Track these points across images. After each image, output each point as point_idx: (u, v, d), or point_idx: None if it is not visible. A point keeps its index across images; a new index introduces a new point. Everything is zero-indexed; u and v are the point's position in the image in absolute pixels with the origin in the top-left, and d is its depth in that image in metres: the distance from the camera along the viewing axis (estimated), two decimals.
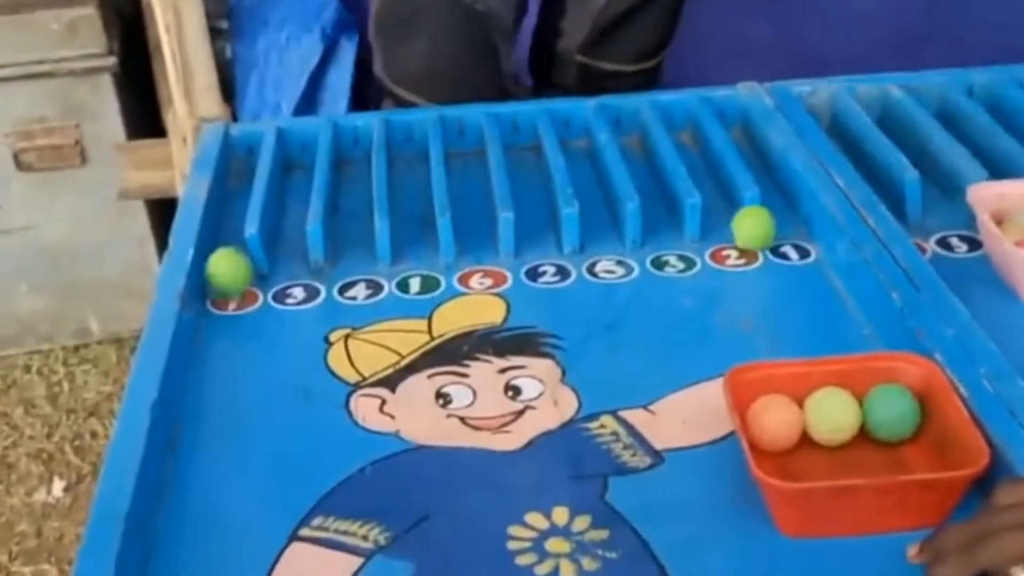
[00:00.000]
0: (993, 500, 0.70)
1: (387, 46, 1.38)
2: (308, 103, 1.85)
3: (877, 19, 1.88)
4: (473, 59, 1.34)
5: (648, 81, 1.68)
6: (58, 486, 1.85)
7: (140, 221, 1.96)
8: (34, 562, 1.75)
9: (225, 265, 1.00)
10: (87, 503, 1.78)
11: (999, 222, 0.99)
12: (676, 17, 1.65)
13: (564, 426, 0.85)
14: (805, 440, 0.81)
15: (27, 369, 2.05)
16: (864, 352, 0.87)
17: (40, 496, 1.84)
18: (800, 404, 0.81)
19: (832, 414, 0.80)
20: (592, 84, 1.65)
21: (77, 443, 1.90)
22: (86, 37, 1.76)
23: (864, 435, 0.81)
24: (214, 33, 1.55)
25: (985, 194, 1.01)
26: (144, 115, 1.94)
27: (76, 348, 2.07)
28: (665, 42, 1.67)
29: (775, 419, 0.80)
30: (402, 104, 1.45)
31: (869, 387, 0.81)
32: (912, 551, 0.71)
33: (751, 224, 1.04)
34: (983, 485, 0.73)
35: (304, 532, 0.77)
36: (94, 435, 1.91)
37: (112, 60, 1.79)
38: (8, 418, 1.95)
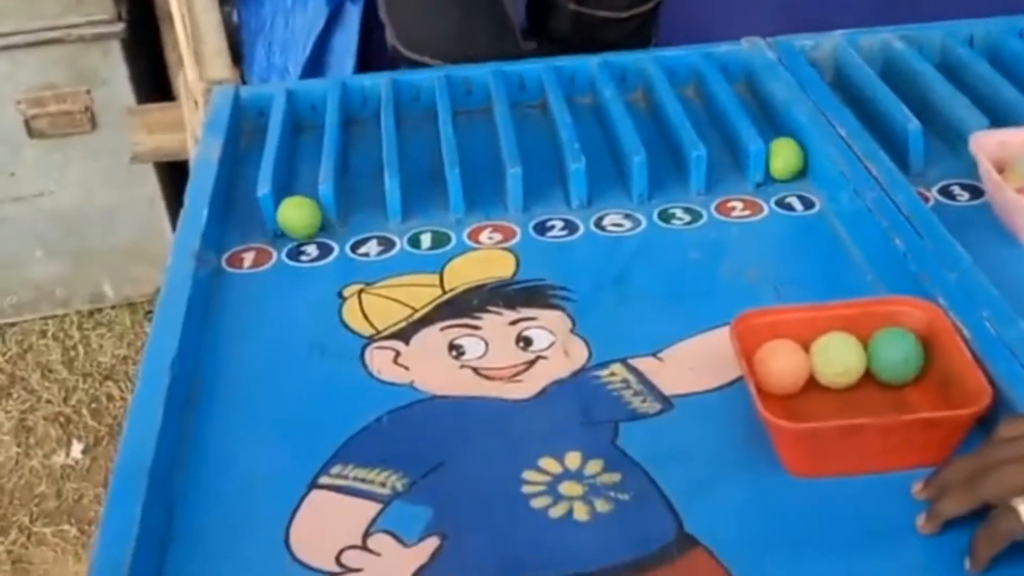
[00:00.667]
0: (995, 434, 0.72)
1: (398, 15, 1.39)
2: (315, 66, 1.86)
3: None
4: (486, 18, 1.35)
5: (643, 28, 1.67)
6: (76, 448, 1.88)
7: (151, 185, 1.98)
8: (54, 523, 1.78)
9: (296, 212, 1.04)
10: (105, 464, 1.82)
11: (1000, 170, 1.01)
12: None
13: (575, 375, 0.87)
14: (811, 384, 0.83)
15: (43, 334, 2.07)
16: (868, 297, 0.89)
17: (59, 458, 1.87)
18: (806, 349, 0.82)
19: (838, 357, 0.81)
20: (586, 32, 1.65)
21: (94, 406, 1.93)
22: (94, 4, 1.77)
23: (869, 378, 0.83)
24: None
25: (986, 142, 1.02)
26: (152, 80, 1.95)
27: (91, 312, 2.10)
28: None
29: (782, 363, 0.81)
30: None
31: (873, 331, 0.83)
32: (917, 487, 0.73)
33: (787, 154, 1.07)
34: (986, 424, 0.75)
35: (323, 480, 0.79)
36: (110, 398, 1.94)
37: (121, 26, 1.80)
38: (26, 383, 1.98)
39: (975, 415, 0.75)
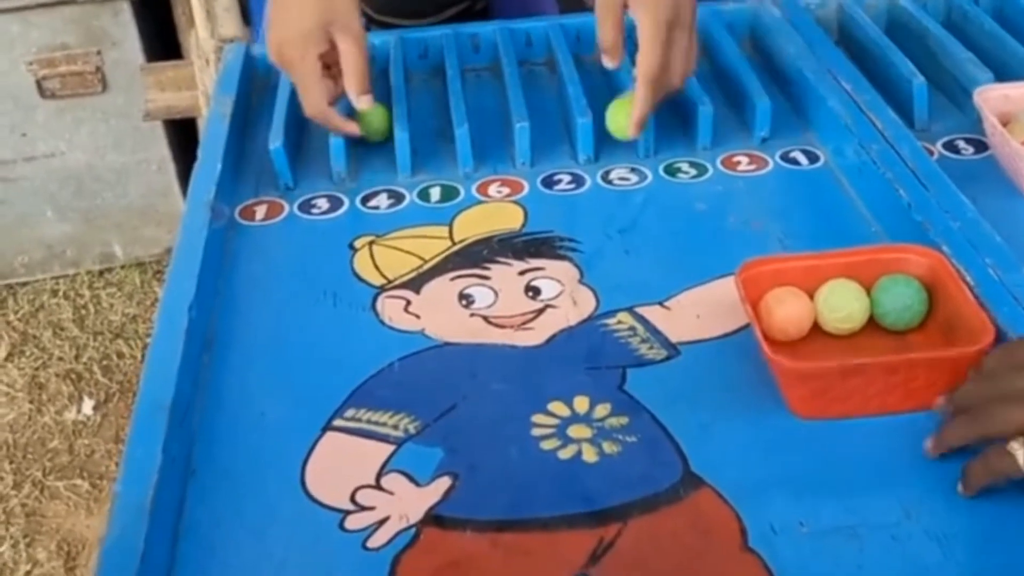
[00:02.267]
0: (1009, 356, 0.73)
1: None
2: None
3: None
4: None
5: None
6: (88, 405, 1.90)
7: (160, 146, 1.99)
8: (67, 477, 1.81)
9: (375, 113, 1.10)
10: (116, 421, 1.85)
11: (1005, 123, 1.02)
12: None
13: (583, 323, 0.89)
14: (816, 331, 0.84)
15: (54, 293, 2.09)
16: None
17: (70, 415, 1.89)
18: (810, 296, 0.84)
19: (841, 303, 0.83)
20: None
21: (105, 363, 1.95)
22: None
23: (873, 325, 0.84)
24: None
25: (991, 96, 1.03)
26: (161, 40, 1.96)
27: (101, 272, 2.12)
28: None
29: (786, 310, 0.83)
30: (386, 28, 1.46)
31: (877, 278, 0.84)
32: (939, 401, 0.75)
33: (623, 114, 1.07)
34: None
35: (337, 423, 0.81)
36: (120, 355, 1.96)
37: None
38: (38, 341, 2.00)
39: (980, 352, 0.76)
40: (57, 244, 2.08)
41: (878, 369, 0.77)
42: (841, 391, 0.77)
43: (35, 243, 2.08)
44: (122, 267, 2.12)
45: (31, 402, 1.90)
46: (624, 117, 1.07)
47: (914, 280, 0.83)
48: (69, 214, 2.05)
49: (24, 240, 2.08)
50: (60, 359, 1.95)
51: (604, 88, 1.20)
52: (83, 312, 2.04)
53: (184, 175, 2.04)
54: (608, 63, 1.07)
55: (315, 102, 1.07)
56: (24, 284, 2.11)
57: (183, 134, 2.00)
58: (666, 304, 0.90)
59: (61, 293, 2.08)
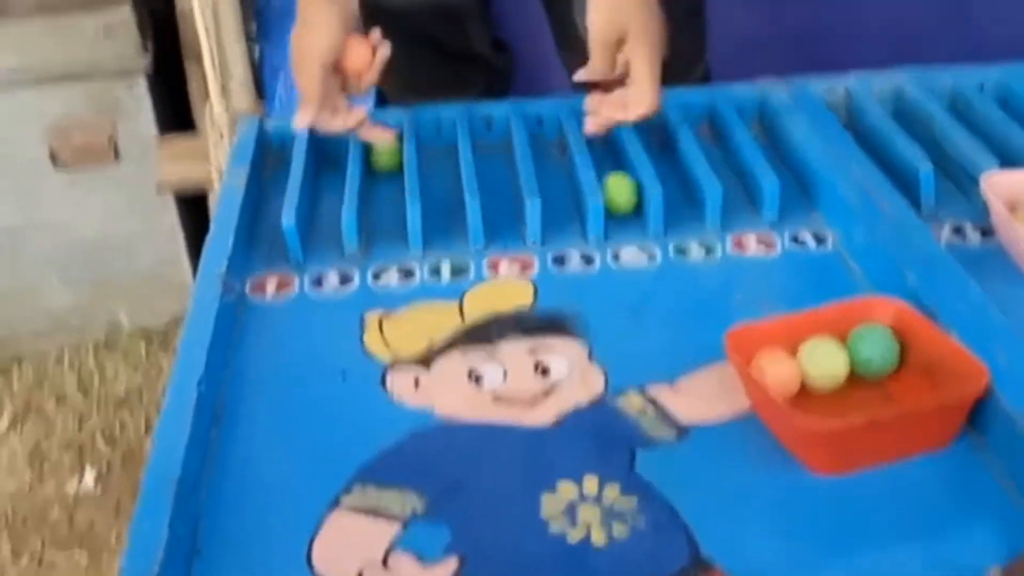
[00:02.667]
0: None
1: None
2: None
3: (887, 14, 1.91)
4: (448, 54, 1.38)
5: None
6: (89, 476, 1.89)
7: (170, 216, 2.01)
8: (66, 549, 1.79)
9: (385, 147, 1.21)
10: (117, 492, 1.84)
11: (1012, 210, 1.03)
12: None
13: (592, 402, 0.89)
14: (801, 389, 0.87)
15: (59, 362, 2.09)
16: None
17: (72, 486, 1.88)
18: (793, 354, 0.87)
19: (825, 359, 0.86)
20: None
21: (108, 433, 1.94)
22: (122, 38, 1.81)
23: (851, 376, 0.87)
24: None
25: (998, 182, 1.04)
26: (174, 113, 1.98)
27: (106, 341, 2.12)
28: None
29: (775, 372, 0.85)
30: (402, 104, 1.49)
31: (849, 330, 0.88)
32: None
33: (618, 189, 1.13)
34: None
35: (345, 500, 0.81)
36: (123, 426, 1.96)
37: (146, 60, 1.83)
38: (41, 410, 1.99)
39: (980, 392, 0.80)
40: (63, 313, 2.09)
41: (899, 419, 0.80)
42: (860, 445, 0.79)
43: (41, 312, 2.08)
44: (128, 336, 2.12)
45: (33, 472, 1.89)
46: (617, 195, 1.12)
47: (885, 328, 0.87)
48: (76, 283, 2.06)
49: (30, 309, 2.08)
50: (63, 429, 1.95)
51: (615, 167, 1.21)
52: (87, 382, 2.04)
53: (193, 244, 2.05)
54: (590, 126, 1.16)
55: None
56: (29, 353, 2.11)
57: (193, 204, 2.02)
58: (675, 384, 0.90)
59: (66, 362, 2.08)
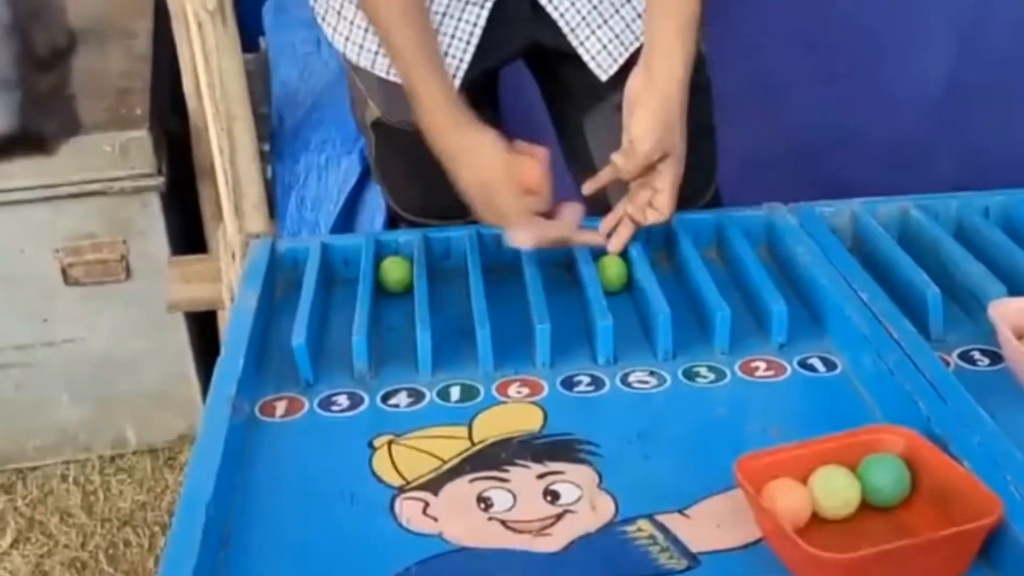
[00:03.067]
0: None
1: (394, 184, 1.47)
2: (345, 219, 1.90)
3: (889, 133, 1.93)
4: None
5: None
6: None
7: (180, 334, 2.01)
8: None
9: (395, 267, 1.25)
10: None
11: (1020, 337, 1.03)
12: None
13: (602, 529, 0.88)
14: (811, 518, 0.87)
15: (64, 478, 2.08)
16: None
17: None
18: (804, 483, 0.87)
19: (836, 489, 0.86)
20: None
21: (111, 552, 1.92)
22: (137, 158, 1.84)
23: (864, 505, 0.87)
24: None
25: (1005, 309, 1.05)
26: (185, 231, 2.00)
27: (112, 458, 2.11)
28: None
29: (787, 502, 0.85)
30: (415, 226, 1.52)
31: (859, 459, 0.88)
32: None
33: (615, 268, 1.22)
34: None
35: None
36: (127, 544, 1.94)
37: (161, 180, 1.86)
38: (44, 527, 1.97)
39: (994, 523, 0.80)
40: (70, 428, 2.08)
41: (917, 549, 0.79)
42: (875, 575, 0.79)
43: (48, 427, 2.08)
44: (134, 453, 2.11)
45: None
46: (609, 272, 1.20)
47: (896, 457, 0.87)
48: (84, 399, 2.06)
49: (37, 424, 2.08)
50: (66, 546, 1.92)
51: (623, 289, 1.22)
52: (92, 498, 2.03)
53: (202, 361, 2.06)
54: (613, 247, 1.24)
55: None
56: (34, 468, 2.09)
57: (203, 321, 2.02)
58: (686, 512, 0.90)
59: (71, 478, 2.07)
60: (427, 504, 0.92)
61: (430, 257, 1.26)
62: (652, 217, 1.22)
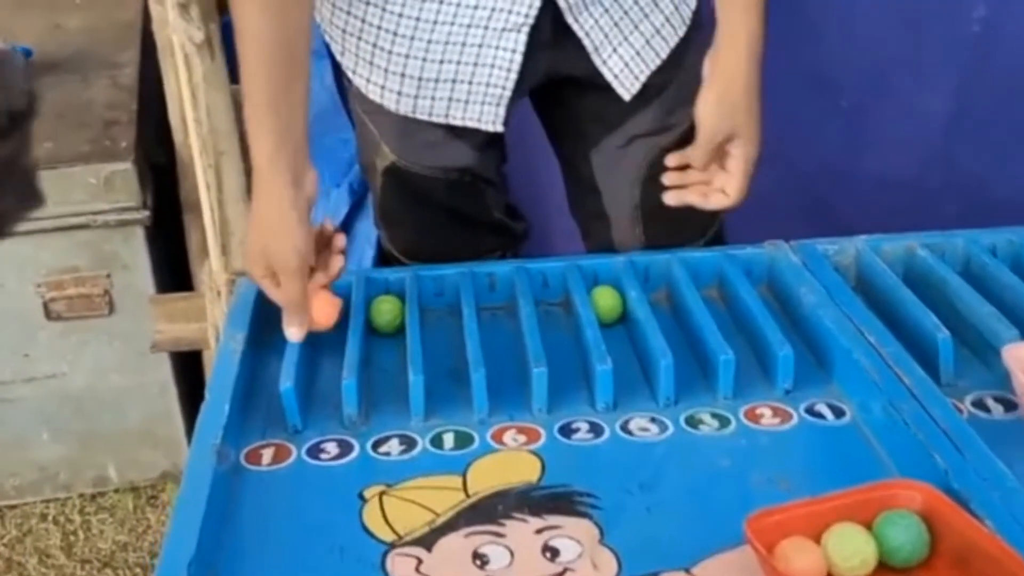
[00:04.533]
0: None
1: (391, 230, 1.44)
2: None
3: (894, 175, 1.91)
4: (466, 220, 1.39)
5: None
6: None
7: (163, 370, 1.97)
8: None
9: (386, 307, 1.20)
10: None
11: None
12: None
13: None
14: None
15: (43, 518, 2.03)
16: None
17: None
18: (817, 541, 0.83)
19: (852, 548, 0.83)
20: None
21: None
22: (121, 191, 1.80)
23: (881, 566, 0.83)
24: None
25: (1020, 354, 1.01)
26: (170, 264, 1.96)
27: (93, 496, 2.06)
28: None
29: (801, 563, 0.81)
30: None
31: (875, 516, 0.85)
32: None
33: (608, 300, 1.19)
34: None
35: None
36: None
37: (145, 213, 1.82)
38: (22, 568, 1.92)
39: None
40: (51, 466, 2.03)
41: None
42: None
43: (28, 465, 2.03)
44: (115, 491, 2.06)
45: None
46: (603, 303, 1.18)
47: (913, 515, 0.84)
48: (65, 436, 2.01)
49: (17, 461, 2.03)
50: None
51: (622, 331, 1.19)
52: (72, 538, 1.97)
53: (186, 398, 2.01)
54: (670, 199, 1.20)
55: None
56: (13, 507, 2.04)
57: (187, 357, 1.98)
58: (692, 570, 0.86)
59: (51, 518, 2.01)
60: (420, 561, 0.88)
61: (422, 296, 1.22)
62: (717, 201, 1.20)
